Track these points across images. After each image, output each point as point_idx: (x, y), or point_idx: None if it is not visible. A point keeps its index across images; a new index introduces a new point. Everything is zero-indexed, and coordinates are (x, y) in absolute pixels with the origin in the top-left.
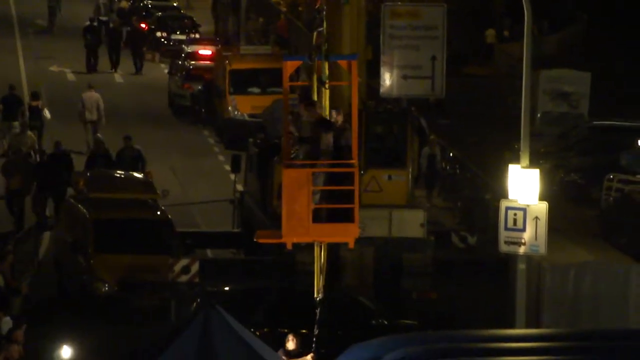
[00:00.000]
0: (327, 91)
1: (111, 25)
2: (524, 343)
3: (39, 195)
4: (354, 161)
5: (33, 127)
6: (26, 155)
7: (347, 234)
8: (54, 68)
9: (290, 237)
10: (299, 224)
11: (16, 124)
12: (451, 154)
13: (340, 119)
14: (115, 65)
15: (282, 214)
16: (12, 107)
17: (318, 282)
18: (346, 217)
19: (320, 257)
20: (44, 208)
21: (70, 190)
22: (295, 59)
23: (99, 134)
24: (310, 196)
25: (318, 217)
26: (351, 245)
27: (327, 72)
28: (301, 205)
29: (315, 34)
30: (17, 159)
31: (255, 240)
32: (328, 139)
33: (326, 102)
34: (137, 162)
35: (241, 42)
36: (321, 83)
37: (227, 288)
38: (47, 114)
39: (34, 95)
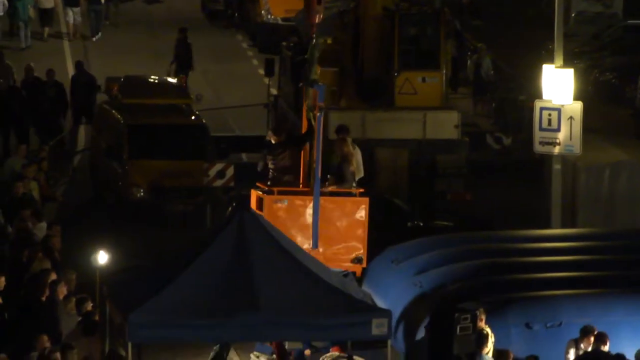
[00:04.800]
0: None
1: None
2: (559, 243)
3: None
4: (275, 189)
5: (92, 10)
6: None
7: None
8: None
9: None
10: None
11: (77, 9)
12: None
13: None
14: None
15: None
16: None
17: None
18: None
19: None
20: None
21: None
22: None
23: (31, 63)
24: None
25: None
26: None
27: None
28: None
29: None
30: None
31: None
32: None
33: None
34: (90, 88)
35: None
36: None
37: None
38: None
39: None
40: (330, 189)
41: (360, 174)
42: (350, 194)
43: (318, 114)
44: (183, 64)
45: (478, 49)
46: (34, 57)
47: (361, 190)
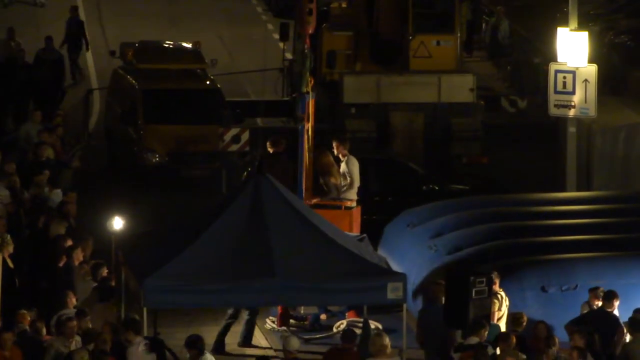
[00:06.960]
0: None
1: None
2: (575, 206)
3: None
4: None
5: None
6: None
7: None
8: None
9: None
10: None
11: None
12: None
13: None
14: None
15: None
16: None
17: None
18: None
19: None
20: None
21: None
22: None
23: (11, 42)
24: None
25: None
26: None
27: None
28: None
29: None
30: None
31: None
32: None
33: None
34: (56, 66)
35: None
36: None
37: None
38: None
39: None
40: (314, 201)
41: (352, 186)
42: (336, 207)
43: (300, 125)
44: (73, 44)
45: (495, 13)
46: (48, 16)
47: (346, 203)
